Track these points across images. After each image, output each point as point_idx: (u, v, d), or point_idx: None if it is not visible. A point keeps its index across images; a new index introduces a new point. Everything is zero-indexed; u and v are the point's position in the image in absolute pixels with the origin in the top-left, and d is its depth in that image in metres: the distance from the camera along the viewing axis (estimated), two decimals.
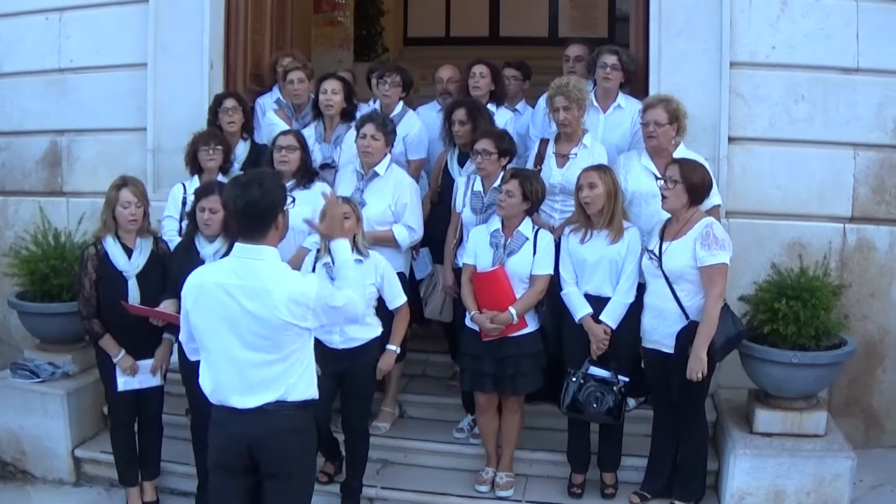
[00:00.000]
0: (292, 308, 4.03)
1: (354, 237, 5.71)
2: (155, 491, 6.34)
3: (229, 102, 7.06)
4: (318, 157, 6.92)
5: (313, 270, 5.79)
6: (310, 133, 7.02)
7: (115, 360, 5.93)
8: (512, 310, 5.83)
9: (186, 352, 4.53)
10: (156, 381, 6.06)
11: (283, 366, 4.12)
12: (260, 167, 6.53)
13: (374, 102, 7.38)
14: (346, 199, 5.85)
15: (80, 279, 5.94)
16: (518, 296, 5.89)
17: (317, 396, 4.33)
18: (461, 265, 6.25)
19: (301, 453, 4.30)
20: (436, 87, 7.64)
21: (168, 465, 6.42)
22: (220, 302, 4.09)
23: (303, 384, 4.21)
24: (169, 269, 5.82)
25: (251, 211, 4.07)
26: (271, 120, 7.31)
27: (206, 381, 4.24)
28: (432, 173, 7.06)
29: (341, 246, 4.46)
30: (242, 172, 5.92)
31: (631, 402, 6.37)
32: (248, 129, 7.20)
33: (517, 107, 7.51)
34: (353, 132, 6.60)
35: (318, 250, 5.88)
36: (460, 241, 6.46)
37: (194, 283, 4.23)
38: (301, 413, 4.22)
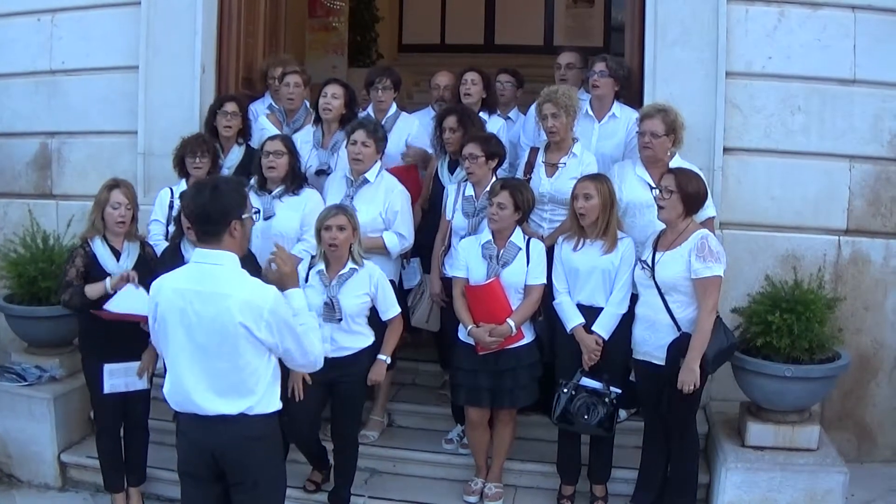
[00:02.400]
0: (246, 312, 4.00)
1: (351, 246, 5.68)
2: (140, 497, 6.31)
3: (230, 107, 7.01)
4: (314, 163, 6.90)
5: (307, 279, 5.76)
6: (307, 138, 7.00)
7: (108, 287, 5.79)
8: (510, 321, 5.80)
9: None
10: (142, 385, 6.03)
11: (239, 376, 4.08)
12: (251, 173, 6.53)
13: (368, 109, 7.32)
14: (343, 209, 5.80)
15: (66, 269, 5.90)
16: (513, 307, 5.85)
17: (280, 408, 4.29)
18: (449, 274, 6.25)
19: (266, 460, 4.26)
20: (431, 94, 7.63)
21: (154, 471, 6.36)
22: (178, 308, 4.08)
23: (265, 400, 4.18)
24: (156, 274, 5.71)
25: (201, 216, 4.11)
26: (262, 125, 7.29)
27: (167, 388, 4.23)
28: (424, 181, 7.02)
29: (296, 295, 4.43)
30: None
31: (622, 413, 6.32)
32: (244, 134, 7.13)
33: (510, 115, 7.48)
34: None
35: (313, 257, 5.87)
36: (448, 248, 6.41)
37: (156, 287, 4.24)
38: (265, 420, 4.20)
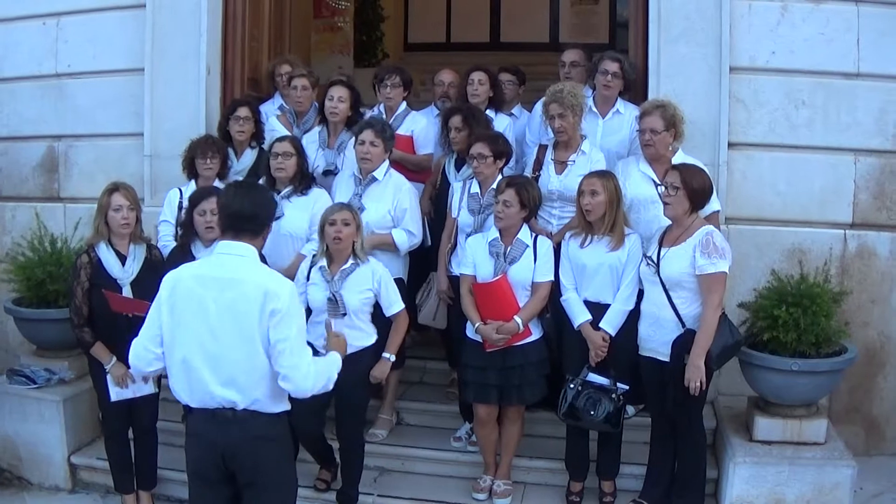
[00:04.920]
0: (261, 300, 4.02)
1: (353, 243, 5.70)
2: (150, 499, 6.31)
3: (242, 111, 7.02)
4: (321, 164, 6.93)
5: (308, 276, 5.81)
6: (313, 139, 7.03)
7: (106, 368, 5.91)
8: (518, 319, 5.80)
9: (133, 359, 4.34)
10: (149, 389, 6.03)
11: (251, 363, 4.07)
12: (259, 174, 6.56)
13: (379, 108, 7.32)
14: (347, 206, 5.84)
15: (73, 288, 5.92)
16: (521, 304, 5.86)
17: (289, 408, 4.31)
18: (454, 271, 6.29)
19: (276, 461, 4.28)
20: (435, 91, 7.62)
21: (164, 472, 6.38)
22: (194, 292, 4.11)
23: (274, 399, 4.19)
24: (163, 276, 5.76)
25: (262, 212, 4.23)
26: (273, 126, 7.30)
27: (180, 386, 4.21)
28: (430, 177, 7.04)
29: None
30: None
31: (630, 409, 6.30)
32: (257, 137, 7.14)
33: (513, 111, 7.45)
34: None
35: (315, 255, 5.89)
36: (454, 246, 6.43)
37: (172, 276, 4.25)
38: (274, 421, 4.21)
